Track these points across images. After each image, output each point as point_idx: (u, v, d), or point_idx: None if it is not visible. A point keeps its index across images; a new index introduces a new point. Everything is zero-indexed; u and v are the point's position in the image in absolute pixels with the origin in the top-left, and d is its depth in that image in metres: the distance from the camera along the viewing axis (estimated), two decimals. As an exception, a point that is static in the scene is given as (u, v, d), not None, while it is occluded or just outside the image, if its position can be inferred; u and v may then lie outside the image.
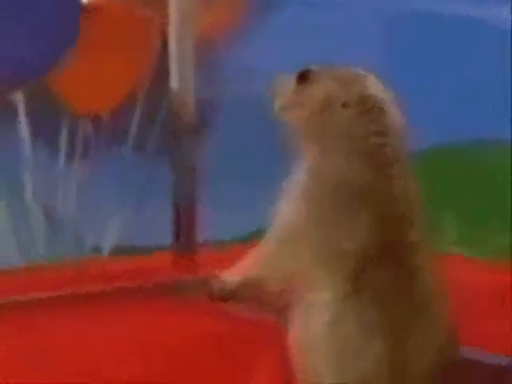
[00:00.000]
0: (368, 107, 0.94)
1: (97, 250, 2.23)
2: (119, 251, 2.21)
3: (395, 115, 0.96)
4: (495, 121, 2.11)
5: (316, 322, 0.93)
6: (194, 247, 1.75)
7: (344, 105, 0.95)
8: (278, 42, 2.24)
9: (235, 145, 2.16)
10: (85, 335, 1.43)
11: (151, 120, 2.21)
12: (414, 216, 0.95)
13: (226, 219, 2.04)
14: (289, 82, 0.99)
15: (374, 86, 0.97)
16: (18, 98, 2.17)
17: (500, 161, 2.20)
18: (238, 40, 2.31)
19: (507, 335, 1.19)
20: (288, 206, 0.95)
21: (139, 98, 2.25)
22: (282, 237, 0.95)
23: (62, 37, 2.11)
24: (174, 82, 1.77)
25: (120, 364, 1.30)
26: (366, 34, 2.26)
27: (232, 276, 1.00)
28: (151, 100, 2.21)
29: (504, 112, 2.09)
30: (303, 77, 0.98)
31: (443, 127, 2.18)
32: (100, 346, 1.38)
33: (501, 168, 2.17)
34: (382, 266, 0.91)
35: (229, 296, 1.00)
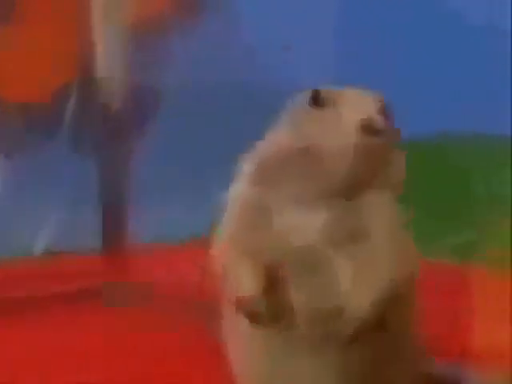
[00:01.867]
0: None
1: (26, 251, 2.10)
2: (49, 253, 2.09)
3: None
4: (460, 112, 2.06)
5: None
6: (122, 250, 1.67)
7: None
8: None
9: (177, 140, 2.02)
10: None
11: (86, 113, 2.07)
12: None
13: (161, 220, 1.91)
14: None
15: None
16: None
17: (464, 155, 2.13)
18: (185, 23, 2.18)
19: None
20: None
21: (73, 87, 2.09)
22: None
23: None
24: (100, 71, 1.65)
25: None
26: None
27: None
28: (85, 90, 2.05)
29: (469, 103, 2.04)
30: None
31: (410, 120, 2.08)
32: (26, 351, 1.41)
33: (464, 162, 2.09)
34: None
35: None
